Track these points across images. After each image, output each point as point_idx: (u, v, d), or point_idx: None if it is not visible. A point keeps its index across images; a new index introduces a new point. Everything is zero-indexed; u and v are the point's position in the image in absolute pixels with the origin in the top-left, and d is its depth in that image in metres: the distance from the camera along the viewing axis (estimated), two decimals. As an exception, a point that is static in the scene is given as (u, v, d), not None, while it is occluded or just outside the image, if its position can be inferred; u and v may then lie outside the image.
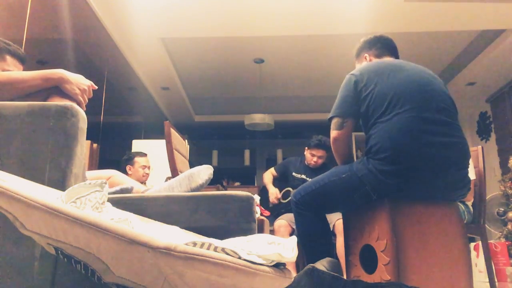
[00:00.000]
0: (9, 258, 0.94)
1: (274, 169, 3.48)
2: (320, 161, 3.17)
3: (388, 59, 1.80)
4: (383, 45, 1.87)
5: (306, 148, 3.24)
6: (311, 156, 3.18)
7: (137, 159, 3.21)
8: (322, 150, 3.15)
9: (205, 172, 1.41)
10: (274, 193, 3.25)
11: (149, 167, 3.31)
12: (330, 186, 1.65)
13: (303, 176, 3.19)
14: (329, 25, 3.97)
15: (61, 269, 0.96)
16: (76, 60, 4.27)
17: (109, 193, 1.17)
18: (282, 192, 3.27)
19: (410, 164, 1.45)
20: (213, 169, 1.46)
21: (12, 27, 3.51)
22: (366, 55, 1.89)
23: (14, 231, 0.93)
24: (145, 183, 3.22)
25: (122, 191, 1.42)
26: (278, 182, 3.39)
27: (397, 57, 1.88)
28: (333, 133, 1.68)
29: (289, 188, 3.24)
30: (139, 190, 1.75)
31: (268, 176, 3.44)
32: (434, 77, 1.67)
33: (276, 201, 3.22)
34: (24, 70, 1.41)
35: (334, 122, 1.67)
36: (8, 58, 1.37)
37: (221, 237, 0.87)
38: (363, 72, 1.65)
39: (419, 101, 1.52)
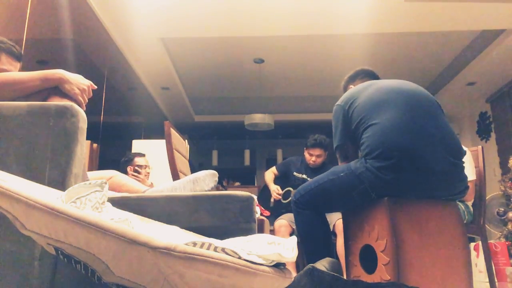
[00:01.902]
0: (9, 258, 0.94)
1: (276, 168, 3.48)
2: (319, 160, 3.17)
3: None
4: (365, 75, 2.00)
5: (305, 148, 3.25)
6: (310, 156, 3.18)
7: (136, 159, 3.22)
8: (319, 149, 3.15)
9: (210, 179, 1.40)
10: (275, 190, 3.26)
11: (149, 167, 3.32)
12: (329, 184, 1.66)
13: (304, 176, 3.19)
14: (329, 25, 3.97)
15: (61, 269, 0.96)
16: (76, 60, 4.27)
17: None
18: (282, 192, 3.27)
19: (403, 157, 1.48)
20: (218, 176, 1.45)
21: (12, 27, 3.51)
22: (351, 86, 2.01)
23: (14, 231, 0.93)
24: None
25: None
26: (280, 181, 3.40)
27: None
28: (341, 164, 1.79)
29: (290, 188, 3.24)
30: (140, 190, 1.75)
31: (269, 175, 3.45)
32: (417, 86, 1.75)
33: (278, 197, 3.23)
34: (22, 69, 1.41)
35: (339, 154, 1.79)
36: (3, 56, 1.36)
37: (221, 237, 0.87)
38: (346, 97, 1.78)
39: (404, 103, 1.59)
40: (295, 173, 3.26)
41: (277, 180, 3.41)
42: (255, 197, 1.41)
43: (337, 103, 1.80)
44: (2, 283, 0.92)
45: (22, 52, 1.45)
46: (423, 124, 1.53)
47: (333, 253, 2.63)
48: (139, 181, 2.87)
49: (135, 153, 3.34)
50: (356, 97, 1.71)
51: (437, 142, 1.51)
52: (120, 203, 1.06)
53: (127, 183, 1.91)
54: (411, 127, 1.52)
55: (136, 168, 3.06)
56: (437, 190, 1.53)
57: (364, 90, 1.72)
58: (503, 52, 4.36)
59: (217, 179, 1.43)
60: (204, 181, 1.39)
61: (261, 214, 2.41)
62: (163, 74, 5.02)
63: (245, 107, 6.28)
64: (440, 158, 1.49)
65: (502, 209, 3.87)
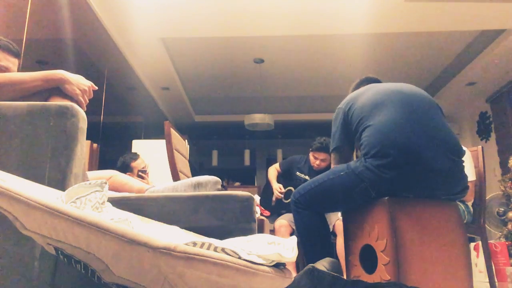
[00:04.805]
0: (9, 258, 0.94)
1: (279, 165, 3.45)
2: (323, 164, 3.08)
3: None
4: (369, 82, 2.01)
5: (310, 150, 3.18)
6: (314, 159, 3.12)
7: (133, 164, 3.10)
8: (324, 153, 3.06)
9: (212, 186, 1.39)
10: (277, 188, 3.24)
11: (147, 166, 3.26)
12: (328, 184, 1.66)
13: (306, 177, 3.15)
14: (329, 25, 3.97)
15: (61, 269, 0.96)
16: (76, 60, 4.27)
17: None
18: (284, 191, 3.25)
19: (400, 154, 1.48)
20: (221, 182, 1.44)
21: (12, 27, 3.51)
22: None
23: (14, 231, 0.93)
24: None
25: None
26: (282, 179, 3.38)
27: None
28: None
29: (291, 188, 3.22)
30: (142, 188, 1.75)
31: (273, 171, 3.41)
32: (417, 88, 1.78)
33: (280, 196, 3.21)
34: (23, 69, 1.41)
35: (333, 157, 1.83)
36: None
37: (221, 237, 0.87)
38: (346, 100, 1.83)
39: (402, 103, 1.61)
40: (297, 173, 3.24)
41: (279, 178, 3.39)
42: (255, 197, 1.40)
43: (338, 106, 1.86)
44: (2, 283, 0.92)
45: (22, 52, 1.45)
46: (421, 123, 1.55)
47: (333, 253, 2.62)
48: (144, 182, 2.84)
49: (129, 157, 3.17)
50: (356, 99, 1.75)
51: (435, 140, 1.52)
52: (120, 203, 1.06)
53: (128, 182, 1.91)
54: (409, 126, 1.53)
55: (140, 173, 3.01)
56: (436, 188, 1.53)
57: (363, 92, 1.76)
58: (503, 52, 4.36)
59: (219, 186, 1.41)
60: (205, 189, 1.38)
61: (261, 214, 2.41)
62: (163, 74, 5.02)
63: (245, 107, 6.28)
64: (439, 156, 1.50)
65: (502, 209, 3.87)
